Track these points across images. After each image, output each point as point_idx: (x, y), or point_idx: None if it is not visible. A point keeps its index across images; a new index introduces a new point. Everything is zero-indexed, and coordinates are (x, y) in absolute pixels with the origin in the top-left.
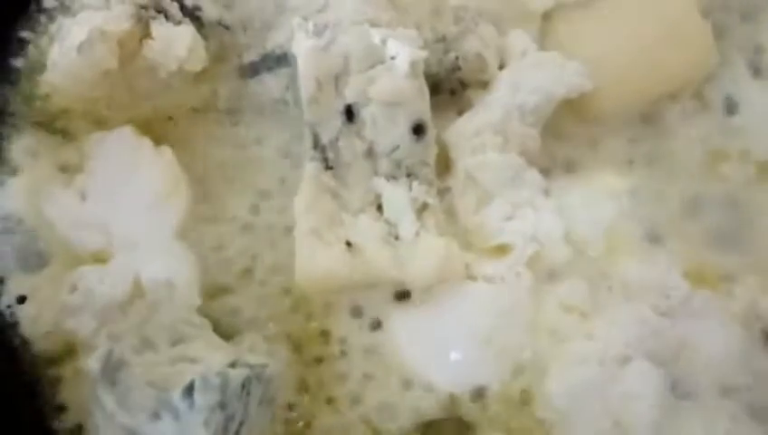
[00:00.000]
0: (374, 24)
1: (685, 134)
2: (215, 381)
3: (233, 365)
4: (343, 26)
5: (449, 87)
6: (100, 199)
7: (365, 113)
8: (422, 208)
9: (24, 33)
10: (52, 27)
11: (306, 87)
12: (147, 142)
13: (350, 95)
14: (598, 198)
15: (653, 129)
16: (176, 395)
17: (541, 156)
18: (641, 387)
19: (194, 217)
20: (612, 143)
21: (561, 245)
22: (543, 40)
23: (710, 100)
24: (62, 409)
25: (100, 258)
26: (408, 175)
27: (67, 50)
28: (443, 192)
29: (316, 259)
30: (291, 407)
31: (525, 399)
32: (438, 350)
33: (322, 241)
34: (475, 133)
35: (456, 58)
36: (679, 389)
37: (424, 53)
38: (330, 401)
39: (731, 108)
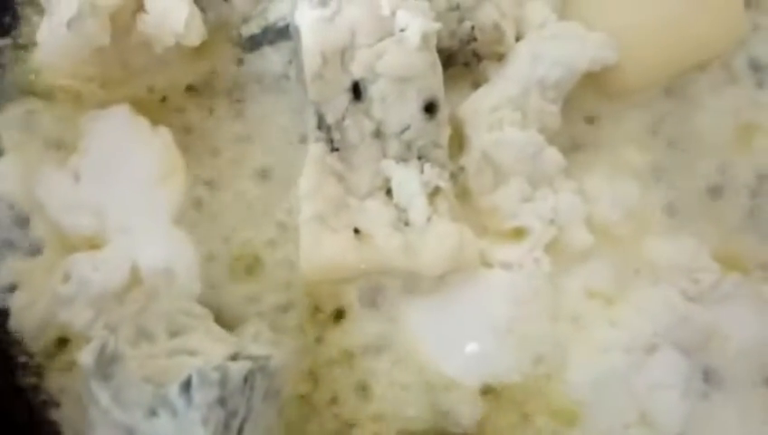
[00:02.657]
0: None
1: (713, 107)
2: (213, 376)
3: (234, 358)
4: None
5: (463, 59)
6: (94, 181)
7: (373, 90)
8: (434, 193)
9: (12, 7)
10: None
11: (310, 62)
12: (143, 122)
13: (357, 71)
14: (622, 177)
15: (680, 102)
16: (172, 391)
17: (561, 133)
18: (669, 377)
19: (192, 201)
20: (637, 118)
21: (582, 229)
22: (563, 9)
23: (739, 70)
24: (54, 402)
25: (94, 244)
26: (419, 157)
27: (57, 26)
28: (456, 171)
29: (322, 247)
30: (299, 399)
31: (547, 390)
32: (454, 342)
33: (328, 227)
34: (491, 109)
35: (472, 28)
36: (710, 377)
37: (437, 25)
38: (337, 395)
39: (761, 78)
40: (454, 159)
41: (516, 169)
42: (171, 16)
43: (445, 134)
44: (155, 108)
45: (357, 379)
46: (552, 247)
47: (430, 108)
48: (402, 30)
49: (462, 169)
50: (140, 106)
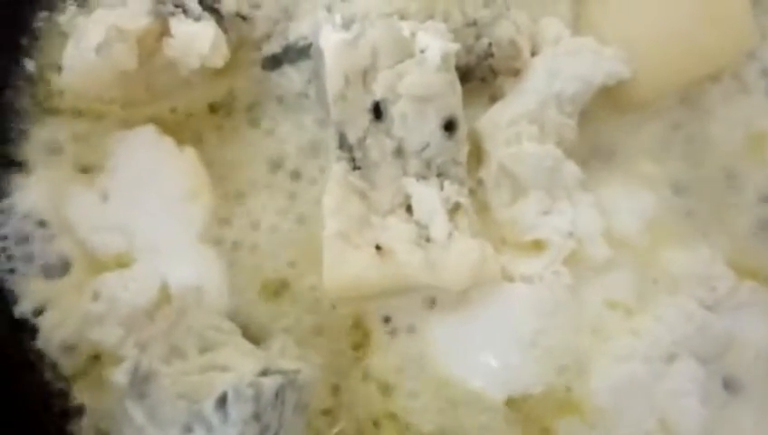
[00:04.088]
0: (403, 16)
1: (725, 117)
2: (248, 392)
3: (264, 373)
4: (371, 19)
5: (480, 74)
6: (122, 200)
7: (394, 110)
8: (454, 209)
9: (38, 28)
10: (65, 20)
11: (333, 83)
12: (169, 142)
13: (378, 91)
14: (639, 188)
15: (693, 113)
16: (208, 407)
17: (578, 145)
18: (688, 385)
19: (219, 219)
20: (651, 129)
21: (600, 241)
22: (577, 22)
23: (750, 79)
24: (84, 419)
25: (122, 262)
26: (439, 174)
27: (84, 51)
28: (475, 185)
29: (345, 263)
30: (324, 413)
31: (569, 400)
32: (478, 355)
33: (351, 244)
34: (509, 123)
35: (489, 45)
36: (729, 384)
37: (455, 46)
38: (361, 409)
39: None
40: (472, 172)
41: (534, 182)
42: (197, 39)
43: (464, 151)
44: (177, 127)
45: (382, 393)
46: (571, 260)
47: (449, 126)
48: (422, 51)
49: (481, 182)
50: (163, 125)
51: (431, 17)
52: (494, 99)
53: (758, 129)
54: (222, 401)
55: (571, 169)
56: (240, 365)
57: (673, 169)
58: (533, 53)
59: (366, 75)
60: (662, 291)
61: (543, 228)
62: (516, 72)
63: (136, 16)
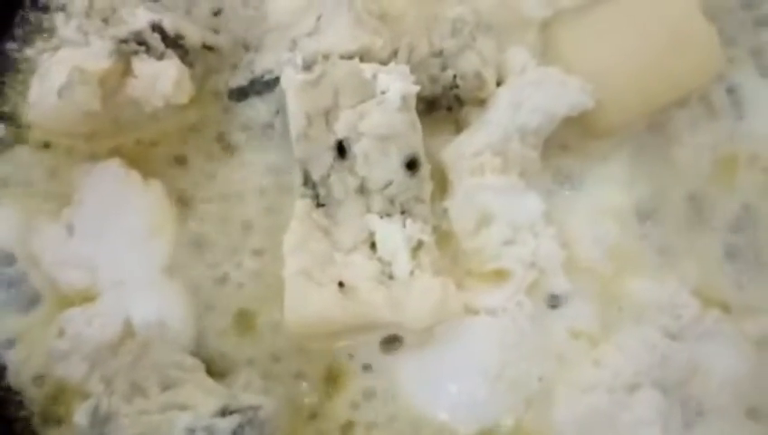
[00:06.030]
0: (368, 52)
1: (693, 142)
2: None
3: (224, 410)
4: (333, 60)
5: (446, 104)
6: (87, 234)
7: (357, 149)
8: (417, 247)
9: (7, 60)
10: (34, 54)
11: (295, 122)
12: (135, 175)
13: (340, 130)
14: (604, 216)
15: (660, 138)
16: None
17: (543, 172)
18: (650, 414)
19: (183, 253)
20: (618, 156)
21: (561, 273)
22: (543, 50)
23: (717, 104)
24: None
25: (87, 296)
26: (402, 212)
27: (47, 91)
28: (440, 214)
29: (307, 301)
30: None
31: (535, 430)
32: (446, 390)
33: (313, 282)
34: (473, 154)
35: (454, 76)
36: (691, 413)
37: (416, 88)
38: None
39: (738, 111)
40: (437, 201)
41: (497, 212)
42: (159, 79)
43: (427, 189)
44: (143, 158)
45: (345, 431)
46: (534, 290)
47: (411, 164)
48: (383, 92)
49: (445, 211)
50: (128, 157)
51: (397, 50)
52: (459, 128)
53: (726, 153)
54: None
55: (534, 199)
56: (200, 404)
57: (639, 196)
58: (499, 82)
59: (328, 115)
60: (626, 319)
61: (506, 258)
62: (482, 102)
63: (98, 57)
